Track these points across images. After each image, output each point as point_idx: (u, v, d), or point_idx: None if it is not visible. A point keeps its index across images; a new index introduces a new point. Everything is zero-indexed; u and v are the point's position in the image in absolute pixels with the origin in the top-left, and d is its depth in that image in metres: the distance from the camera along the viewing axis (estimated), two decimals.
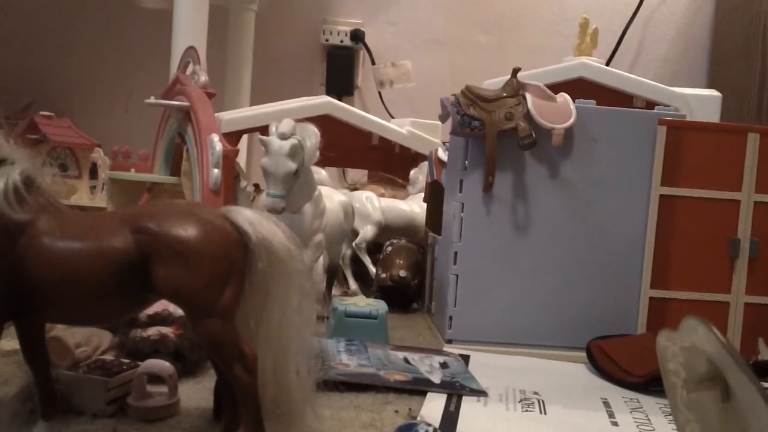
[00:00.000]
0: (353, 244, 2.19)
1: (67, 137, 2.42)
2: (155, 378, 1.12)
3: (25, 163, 0.93)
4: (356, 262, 2.21)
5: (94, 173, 2.42)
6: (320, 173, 2.18)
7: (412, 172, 2.47)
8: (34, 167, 0.94)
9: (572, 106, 1.62)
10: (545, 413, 1.20)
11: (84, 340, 1.23)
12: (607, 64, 2.93)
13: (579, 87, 1.95)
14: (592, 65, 2.05)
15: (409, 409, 1.17)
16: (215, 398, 1.08)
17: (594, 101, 1.67)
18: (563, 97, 1.65)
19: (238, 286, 0.91)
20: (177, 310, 1.26)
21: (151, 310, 1.22)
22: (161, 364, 1.13)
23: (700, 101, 2.03)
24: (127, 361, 1.16)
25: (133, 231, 0.89)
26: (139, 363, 1.14)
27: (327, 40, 3.39)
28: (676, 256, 1.61)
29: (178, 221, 0.89)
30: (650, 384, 1.33)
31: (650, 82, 2.06)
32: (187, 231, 0.88)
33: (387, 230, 2.24)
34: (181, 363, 1.22)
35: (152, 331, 1.25)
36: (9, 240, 0.89)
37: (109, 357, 1.21)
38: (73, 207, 1.03)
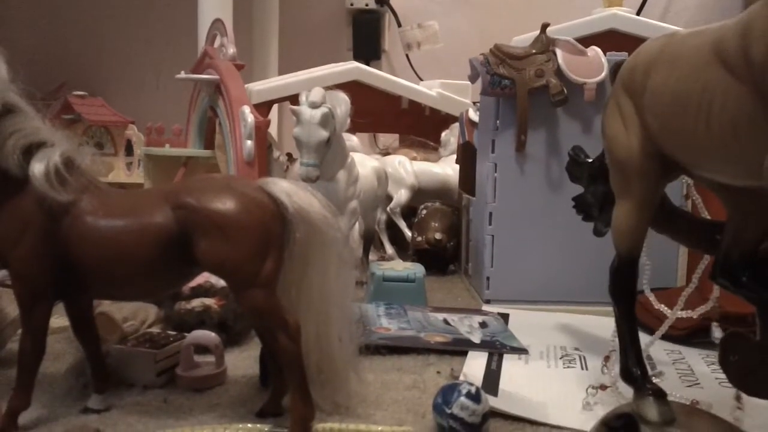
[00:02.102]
0: (388, 208, 2.20)
1: (101, 116, 2.45)
2: (202, 348, 1.15)
3: (64, 144, 0.95)
4: (392, 227, 2.22)
5: (129, 150, 2.46)
6: (352, 140, 2.18)
7: (443, 135, 2.46)
8: (73, 148, 0.96)
9: (604, 59, 1.59)
10: (587, 369, 1.21)
11: (131, 314, 1.26)
12: (638, 14, 2.87)
13: (610, 39, 1.91)
14: (623, 15, 2.01)
15: (451, 369, 1.18)
16: (261, 366, 1.10)
17: (626, 53, 1.63)
18: (594, 50, 1.62)
19: (278, 257, 0.92)
20: (219, 282, 1.28)
21: (194, 282, 1.24)
22: (207, 335, 1.15)
23: None
24: (173, 333, 1.19)
25: (173, 207, 0.91)
26: (186, 335, 1.17)
27: (352, 5, 3.36)
28: (714, 206, 1.58)
29: (217, 195, 0.91)
30: (692, 336, 1.32)
31: (684, 30, 2.01)
32: (226, 205, 0.90)
33: (421, 194, 2.24)
34: (226, 333, 1.25)
35: (196, 303, 1.28)
36: (54, 221, 0.91)
37: (155, 330, 1.24)
38: (112, 184, 1.04)
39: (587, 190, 1.11)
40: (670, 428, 0.78)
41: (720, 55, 0.66)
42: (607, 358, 1.07)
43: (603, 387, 1.04)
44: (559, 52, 1.59)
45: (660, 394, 0.81)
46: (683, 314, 1.06)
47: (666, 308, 1.08)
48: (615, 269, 0.87)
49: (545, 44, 1.61)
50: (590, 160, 1.09)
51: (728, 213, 0.83)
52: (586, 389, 1.04)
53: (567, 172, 1.14)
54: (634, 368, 0.84)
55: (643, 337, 1.40)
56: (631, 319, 0.87)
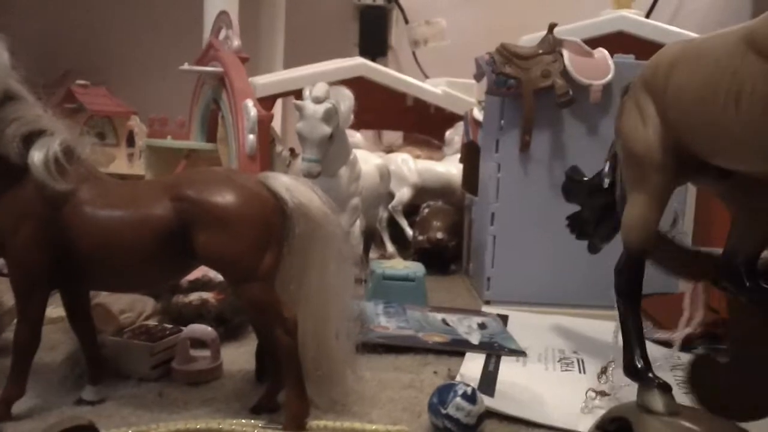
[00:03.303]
0: (390, 206, 2.19)
1: (104, 106, 2.45)
2: (198, 342, 1.14)
3: (64, 133, 0.94)
4: (393, 225, 2.21)
5: (131, 141, 2.45)
6: (355, 136, 2.17)
7: (447, 133, 2.45)
8: (73, 138, 0.95)
9: (610, 61, 1.59)
10: (584, 372, 1.20)
11: (128, 306, 1.25)
12: (648, 16, 2.85)
13: (618, 41, 1.90)
14: (631, 18, 2.00)
15: (448, 369, 1.18)
16: (257, 361, 1.10)
17: (633, 55, 1.62)
18: (601, 52, 1.61)
19: (277, 251, 0.92)
20: (217, 276, 1.27)
21: (192, 276, 1.23)
22: (204, 329, 1.15)
23: None
24: (170, 326, 1.19)
25: (172, 199, 0.90)
26: (183, 328, 1.16)
27: (359, 0, 3.35)
28: (716, 212, 1.57)
29: (217, 188, 0.90)
30: (690, 342, 1.31)
31: (692, 34, 2.00)
32: (226, 198, 0.89)
33: (423, 192, 2.23)
34: (223, 327, 1.24)
35: (194, 297, 1.27)
36: (53, 210, 0.91)
37: (152, 323, 1.24)
38: (112, 175, 1.04)
39: (584, 207, 1.11)
40: (676, 419, 0.79)
41: (752, 44, 0.69)
42: (604, 369, 1.07)
43: (603, 393, 1.03)
44: (565, 52, 1.58)
45: (665, 388, 0.81)
46: (681, 334, 1.08)
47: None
48: (622, 266, 0.88)
49: (552, 45, 1.60)
50: (587, 179, 1.10)
51: (733, 217, 0.85)
52: (586, 392, 1.04)
53: (563, 191, 1.14)
54: (638, 362, 0.85)
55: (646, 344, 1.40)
56: (637, 316, 0.87)
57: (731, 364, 0.88)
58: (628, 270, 0.88)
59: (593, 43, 1.65)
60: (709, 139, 0.76)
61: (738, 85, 0.70)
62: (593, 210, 1.09)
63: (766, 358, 0.84)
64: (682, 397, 1.06)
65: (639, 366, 0.84)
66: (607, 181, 1.06)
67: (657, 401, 0.80)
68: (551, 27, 1.62)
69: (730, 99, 0.70)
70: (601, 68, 1.58)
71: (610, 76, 1.57)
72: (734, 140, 0.73)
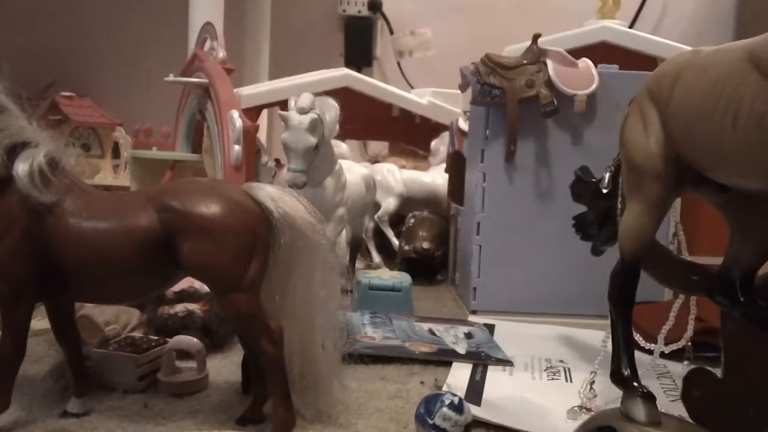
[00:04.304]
0: (376, 216, 2.19)
1: (88, 117, 2.44)
2: (184, 353, 1.14)
3: (49, 144, 0.94)
4: (379, 235, 2.21)
5: (116, 152, 2.44)
6: (341, 146, 2.17)
7: (433, 143, 2.45)
8: (58, 149, 0.95)
9: (594, 71, 1.60)
10: (571, 381, 1.20)
11: (113, 317, 1.25)
12: (632, 26, 2.88)
13: (602, 51, 1.92)
14: (615, 28, 2.02)
15: (435, 379, 1.18)
16: (243, 372, 1.09)
17: (617, 65, 1.64)
18: (585, 62, 1.63)
19: (262, 262, 0.92)
20: (203, 287, 1.27)
21: (178, 287, 1.23)
22: (189, 340, 1.14)
23: None
24: (155, 337, 1.18)
25: (157, 209, 0.90)
26: (168, 339, 1.16)
27: (344, 11, 3.36)
28: (702, 221, 1.59)
29: (202, 199, 0.90)
30: (679, 351, 1.31)
31: (675, 43, 2.02)
32: (211, 208, 0.89)
33: (409, 202, 2.24)
34: (209, 338, 1.24)
35: (179, 308, 1.27)
36: (36, 221, 0.90)
37: (138, 334, 1.23)
38: (97, 186, 1.03)
39: (590, 209, 1.12)
40: (655, 430, 0.79)
41: (754, 61, 0.69)
42: (592, 382, 1.07)
43: (588, 409, 1.04)
44: (550, 63, 1.60)
45: (649, 397, 0.82)
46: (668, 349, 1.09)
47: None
48: (617, 273, 0.88)
49: (536, 55, 1.61)
50: (595, 180, 1.11)
51: (731, 231, 0.85)
52: (569, 410, 1.04)
53: (571, 190, 1.15)
54: (625, 370, 0.85)
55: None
56: (628, 324, 0.88)
57: (724, 380, 0.88)
58: (621, 277, 0.88)
59: (577, 53, 1.66)
60: (707, 152, 0.77)
61: (737, 104, 0.70)
62: (598, 212, 1.10)
63: (758, 375, 0.85)
64: (669, 404, 1.07)
65: (625, 374, 0.85)
66: (606, 188, 1.06)
67: (639, 410, 0.81)
68: (535, 37, 1.63)
69: (729, 115, 0.71)
70: (585, 78, 1.60)
71: (594, 86, 1.58)
72: (731, 156, 0.73)
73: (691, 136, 0.78)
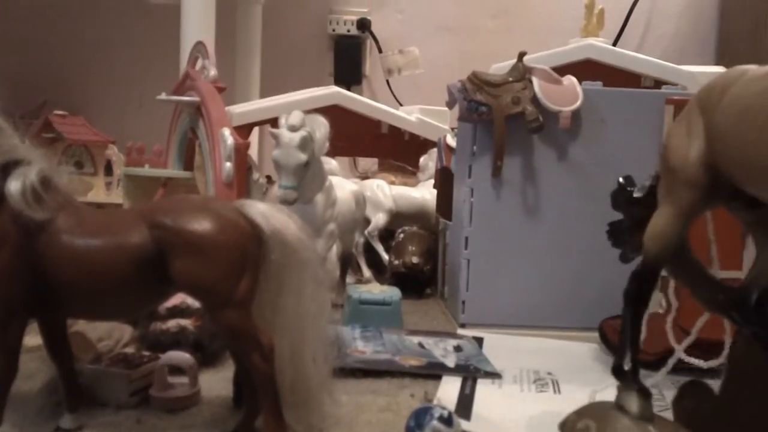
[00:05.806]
0: (366, 232, 2.21)
1: (81, 135, 2.45)
2: (176, 369, 1.14)
3: (41, 162, 0.95)
4: (369, 250, 2.22)
5: (109, 170, 2.45)
6: (331, 163, 2.19)
7: (421, 159, 2.47)
8: (50, 167, 0.96)
9: (579, 88, 1.63)
10: (559, 393, 1.22)
11: (105, 334, 1.26)
12: (615, 44, 2.92)
13: (586, 68, 1.95)
14: (599, 46, 2.05)
15: (425, 392, 1.19)
16: (234, 387, 1.10)
17: (601, 82, 1.67)
18: (569, 79, 1.65)
19: (253, 277, 0.93)
20: (195, 302, 1.28)
21: (170, 302, 1.24)
22: (181, 356, 1.15)
23: (709, 79, 2.01)
24: (148, 353, 1.19)
25: (149, 226, 0.92)
26: (160, 355, 1.17)
27: (334, 30, 3.39)
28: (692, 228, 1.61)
29: (193, 216, 0.91)
30: (663, 362, 1.33)
31: (658, 60, 2.05)
32: (202, 225, 0.91)
33: (398, 217, 2.26)
34: (201, 353, 1.25)
35: (172, 324, 1.27)
36: (29, 239, 0.91)
37: (130, 350, 1.24)
38: (90, 204, 1.05)
39: (625, 216, 1.13)
40: (646, 424, 0.80)
41: None
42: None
43: None
44: (535, 80, 1.62)
45: (645, 393, 0.83)
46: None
47: None
48: (638, 273, 0.90)
49: (522, 72, 1.64)
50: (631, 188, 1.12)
51: (758, 251, 0.86)
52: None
53: (612, 198, 1.15)
54: (626, 365, 0.87)
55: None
56: (638, 322, 0.90)
57: (722, 396, 0.89)
58: (641, 277, 0.90)
59: (562, 70, 1.69)
60: (742, 164, 0.77)
61: None
62: (632, 219, 1.11)
63: (761, 396, 0.85)
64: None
65: (626, 368, 0.87)
66: (639, 193, 1.07)
67: (633, 403, 0.83)
68: (521, 55, 1.66)
69: (766, 129, 0.71)
70: (569, 95, 1.62)
71: (578, 103, 1.61)
72: (763, 171, 0.74)
73: (728, 146, 0.79)
